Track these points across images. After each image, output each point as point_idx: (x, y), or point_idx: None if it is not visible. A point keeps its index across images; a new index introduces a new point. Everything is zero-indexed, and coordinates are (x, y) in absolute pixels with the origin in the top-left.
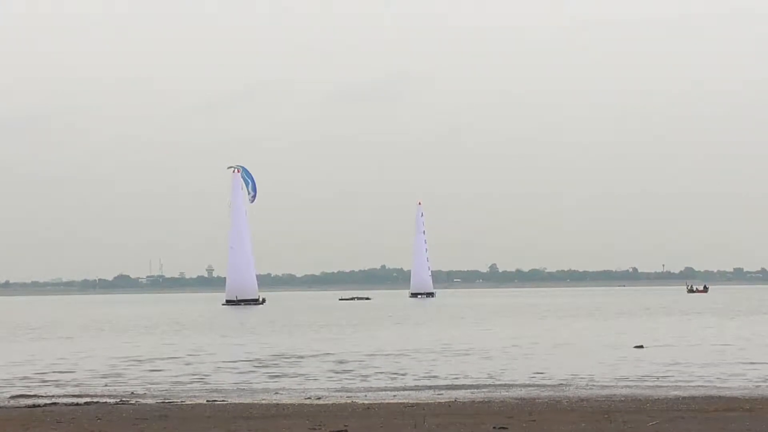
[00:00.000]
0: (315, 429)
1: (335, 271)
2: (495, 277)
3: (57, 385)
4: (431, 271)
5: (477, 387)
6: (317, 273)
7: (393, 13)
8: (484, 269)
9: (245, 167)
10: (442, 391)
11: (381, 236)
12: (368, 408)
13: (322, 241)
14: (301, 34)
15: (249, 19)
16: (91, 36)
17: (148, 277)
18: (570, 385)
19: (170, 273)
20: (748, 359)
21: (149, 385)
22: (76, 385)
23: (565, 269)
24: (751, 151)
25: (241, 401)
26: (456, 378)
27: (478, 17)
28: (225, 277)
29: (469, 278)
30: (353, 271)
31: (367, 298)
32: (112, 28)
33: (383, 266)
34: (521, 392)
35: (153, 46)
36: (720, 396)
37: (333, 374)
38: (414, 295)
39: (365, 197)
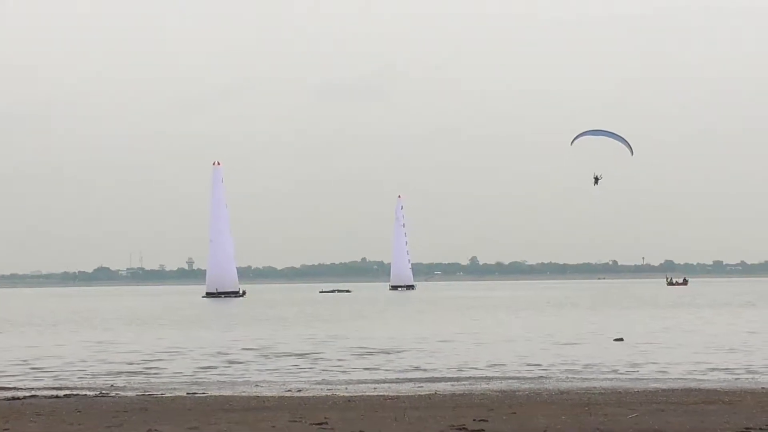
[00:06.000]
0: (295, 421)
1: (316, 264)
2: (475, 270)
3: (36, 378)
4: (411, 264)
5: (457, 379)
6: (297, 266)
7: (379, 9)
8: (465, 262)
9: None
10: (423, 384)
11: (361, 229)
12: (349, 401)
13: (302, 233)
14: (286, 30)
15: (231, 16)
16: (70, 35)
17: (128, 269)
18: (550, 378)
19: (150, 265)
20: (728, 352)
21: (129, 378)
22: (56, 378)
23: (546, 262)
24: (732, 149)
25: (221, 394)
26: (436, 370)
27: (464, 14)
28: (205, 270)
29: (449, 271)
30: (334, 263)
31: (348, 291)
32: (91, 27)
33: (364, 259)
34: (501, 385)
35: (134, 44)
36: (700, 389)
37: (313, 366)
38: (394, 287)
39: (346, 190)
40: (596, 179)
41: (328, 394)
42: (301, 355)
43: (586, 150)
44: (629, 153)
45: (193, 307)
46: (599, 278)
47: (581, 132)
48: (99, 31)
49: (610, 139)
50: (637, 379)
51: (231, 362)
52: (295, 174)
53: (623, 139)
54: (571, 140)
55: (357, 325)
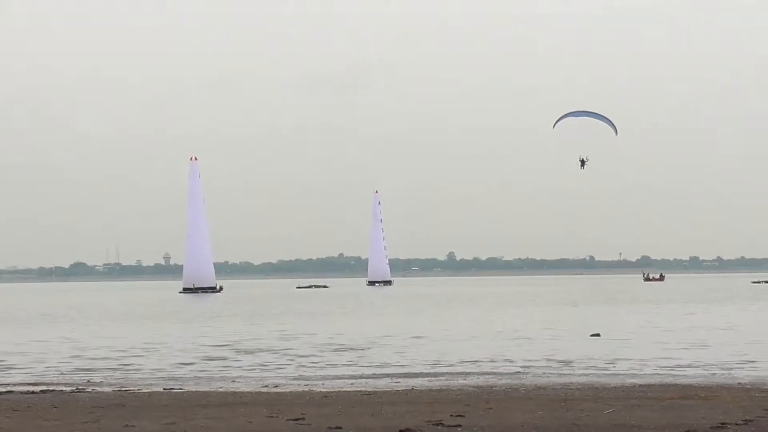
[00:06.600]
0: (272, 417)
1: (293, 259)
2: (453, 266)
3: (12, 374)
4: (389, 260)
5: (434, 375)
6: (275, 261)
7: (359, 3)
8: (442, 257)
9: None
10: (399, 380)
11: (339, 225)
12: (325, 396)
13: (279, 229)
14: (264, 24)
15: (209, 10)
16: (53, 27)
17: (104, 264)
18: (527, 374)
19: (127, 261)
20: (703, 347)
21: (106, 374)
22: (32, 374)
23: (523, 257)
24: (709, 147)
25: (198, 389)
26: (413, 366)
27: (443, 8)
28: (182, 265)
29: (426, 266)
30: (311, 259)
31: (325, 287)
32: (75, 18)
33: (341, 254)
34: (478, 380)
35: (115, 37)
36: (676, 384)
37: (290, 362)
38: (371, 283)
39: (323, 185)
40: (582, 162)
41: (305, 389)
42: (277, 351)
43: (569, 134)
44: (613, 132)
45: (170, 302)
46: (576, 274)
47: (563, 114)
48: (76, 29)
49: (594, 120)
50: (613, 374)
51: (208, 358)
52: (272, 169)
53: (606, 118)
54: (553, 123)
55: (334, 321)
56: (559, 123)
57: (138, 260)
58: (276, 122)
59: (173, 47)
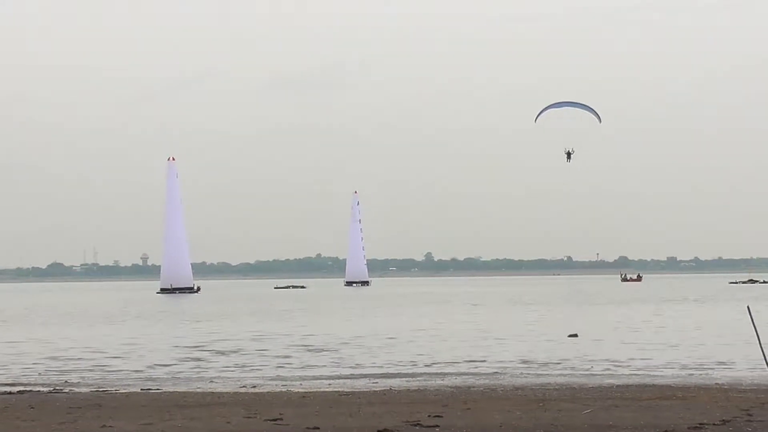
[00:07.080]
0: (250, 417)
1: (270, 260)
2: (430, 266)
3: None
4: (366, 260)
5: (412, 375)
6: (252, 261)
7: (334, 2)
8: (420, 258)
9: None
10: (378, 380)
11: (317, 225)
12: (303, 396)
13: (257, 229)
14: (239, 24)
15: (185, 10)
16: (30, 23)
17: (82, 265)
18: (505, 374)
19: (104, 261)
20: (681, 348)
21: (83, 374)
22: (9, 374)
23: (500, 258)
24: (685, 147)
25: (175, 390)
26: (390, 366)
27: (417, 6)
28: (160, 266)
29: (404, 267)
30: (289, 259)
31: (303, 287)
32: (51, 15)
33: (319, 255)
34: (456, 380)
35: (92, 34)
36: (654, 384)
37: (268, 363)
38: (349, 283)
39: (301, 186)
40: (568, 154)
41: (283, 390)
42: (254, 352)
43: (552, 126)
44: (597, 121)
45: (147, 303)
46: (554, 274)
47: (544, 107)
48: (56, 20)
49: (576, 110)
50: (591, 374)
51: (185, 358)
52: (250, 169)
53: (588, 106)
54: (535, 117)
55: (311, 321)
56: (541, 116)
57: (115, 261)
58: (253, 122)
59: (149, 46)
